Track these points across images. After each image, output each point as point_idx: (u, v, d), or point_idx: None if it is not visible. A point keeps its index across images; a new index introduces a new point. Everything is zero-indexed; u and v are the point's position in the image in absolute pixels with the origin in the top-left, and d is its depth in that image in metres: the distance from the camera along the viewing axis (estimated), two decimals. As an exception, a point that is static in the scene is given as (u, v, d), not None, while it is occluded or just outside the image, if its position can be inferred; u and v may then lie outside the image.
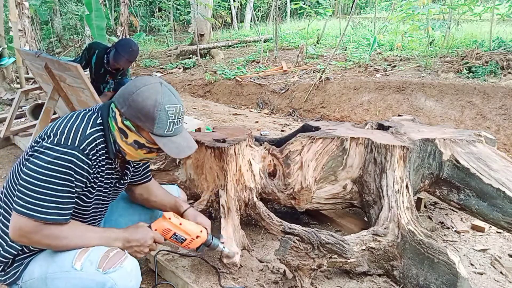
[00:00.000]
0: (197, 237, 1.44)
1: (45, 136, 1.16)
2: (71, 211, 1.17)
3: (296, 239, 1.61)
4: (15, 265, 1.24)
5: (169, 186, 1.71)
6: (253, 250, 1.98)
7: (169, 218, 1.38)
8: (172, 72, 7.62)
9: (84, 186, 1.20)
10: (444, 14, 5.43)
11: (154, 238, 1.31)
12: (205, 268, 1.79)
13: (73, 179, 1.14)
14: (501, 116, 3.88)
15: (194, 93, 6.66)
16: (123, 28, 7.83)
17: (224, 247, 1.60)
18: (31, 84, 5.32)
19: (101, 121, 1.23)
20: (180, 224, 1.40)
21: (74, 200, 1.18)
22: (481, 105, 4.05)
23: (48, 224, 1.12)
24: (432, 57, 5.26)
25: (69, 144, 1.13)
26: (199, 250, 1.50)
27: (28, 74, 5.80)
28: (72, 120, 1.20)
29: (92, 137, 1.18)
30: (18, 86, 5.17)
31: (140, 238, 1.27)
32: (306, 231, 1.64)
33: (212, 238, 1.51)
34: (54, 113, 3.15)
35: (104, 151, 1.23)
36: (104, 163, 1.25)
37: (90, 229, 1.26)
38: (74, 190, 1.16)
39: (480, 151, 2.13)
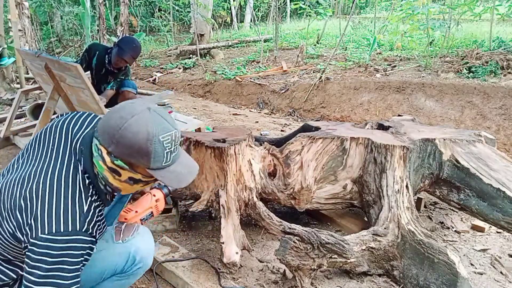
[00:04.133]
0: (157, 200, 1.48)
1: (34, 223, 0.98)
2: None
3: (296, 239, 1.61)
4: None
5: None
6: (253, 250, 1.98)
7: (126, 219, 1.38)
8: (172, 72, 7.62)
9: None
10: (444, 14, 5.43)
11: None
12: (205, 268, 1.79)
13: (83, 259, 1.04)
14: (501, 116, 3.88)
15: (194, 93, 6.66)
16: (123, 28, 7.84)
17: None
18: (31, 84, 5.32)
19: (86, 175, 1.07)
20: (136, 211, 1.41)
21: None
22: (481, 105, 4.05)
23: None
24: (432, 57, 5.26)
25: (70, 230, 0.99)
26: (169, 202, 1.59)
27: (28, 74, 5.80)
28: (57, 195, 1.01)
29: (91, 211, 1.05)
30: (18, 86, 5.16)
31: None
32: (306, 231, 1.64)
33: (164, 187, 1.55)
34: (54, 113, 3.15)
35: (101, 208, 1.12)
36: (102, 217, 1.13)
37: None
38: (83, 265, 1.06)
39: (480, 151, 2.13)
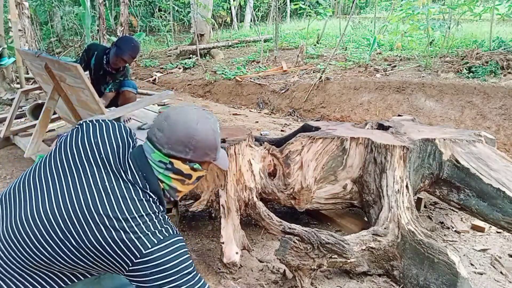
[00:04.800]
0: None
1: (132, 246, 0.95)
2: None
3: (296, 239, 1.61)
4: None
5: None
6: (253, 250, 1.98)
7: None
8: (172, 72, 7.62)
9: None
10: (444, 14, 5.43)
11: None
12: (205, 268, 1.79)
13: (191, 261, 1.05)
14: (501, 116, 3.88)
15: (194, 93, 6.66)
16: (123, 28, 7.84)
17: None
18: (31, 84, 5.32)
19: (155, 196, 1.07)
20: None
21: None
22: (481, 105, 4.05)
23: None
24: (432, 57, 5.26)
25: (167, 235, 1.00)
26: None
27: (28, 74, 5.80)
28: (139, 215, 0.99)
29: (170, 223, 1.06)
30: (18, 86, 5.16)
31: None
32: (306, 231, 1.64)
33: None
34: (54, 113, 3.15)
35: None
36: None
37: None
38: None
39: (480, 151, 2.13)
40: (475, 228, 2.29)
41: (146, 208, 1.01)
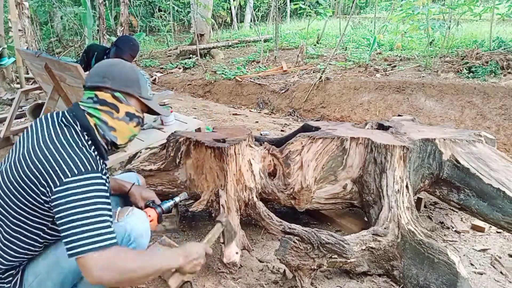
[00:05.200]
0: (151, 221, 1.49)
1: (54, 174, 1.09)
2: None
3: (296, 239, 1.61)
4: (8, 273, 1.23)
5: (127, 174, 1.78)
6: (253, 250, 1.98)
7: None
8: (172, 72, 7.62)
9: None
10: (444, 14, 5.43)
11: (205, 250, 1.37)
12: (205, 268, 1.79)
13: (108, 200, 1.13)
14: (501, 116, 3.88)
15: (194, 93, 6.66)
16: (123, 28, 7.83)
17: (175, 201, 1.66)
18: (31, 84, 5.32)
19: (85, 132, 1.21)
20: None
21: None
22: (481, 105, 4.05)
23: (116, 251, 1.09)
24: (432, 57, 5.26)
25: (89, 170, 1.11)
26: (162, 220, 1.60)
27: (28, 74, 5.80)
28: (62, 148, 1.13)
29: (96, 159, 1.17)
30: (18, 86, 5.16)
31: (196, 252, 1.31)
32: (306, 231, 1.64)
33: (161, 205, 1.58)
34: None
35: (103, 161, 1.26)
36: (105, 169, 1.28)
37: (148, 252, 1.34)
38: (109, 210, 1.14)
39: (480, 151, 2.13)
40: (475, 228, 2.29)
41: (75, 141, 1.15)
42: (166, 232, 2.14)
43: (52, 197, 1.08)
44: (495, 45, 5.03)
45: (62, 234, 1.06)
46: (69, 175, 1.08)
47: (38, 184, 1.10)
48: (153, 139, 2.77)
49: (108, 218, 1.10)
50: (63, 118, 1.22)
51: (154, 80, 7.29)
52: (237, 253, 1.72)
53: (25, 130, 1.30)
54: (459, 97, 4.22)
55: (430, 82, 4.53)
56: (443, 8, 5.26)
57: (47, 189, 1.09)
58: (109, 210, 1.12)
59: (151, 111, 1.39)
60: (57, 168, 1.09)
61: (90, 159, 1.13)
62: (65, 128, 1.19)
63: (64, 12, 8.93)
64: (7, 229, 1.17)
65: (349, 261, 1.70)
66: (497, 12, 5.11)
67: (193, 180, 2.07)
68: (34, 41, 6.39)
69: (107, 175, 1.27)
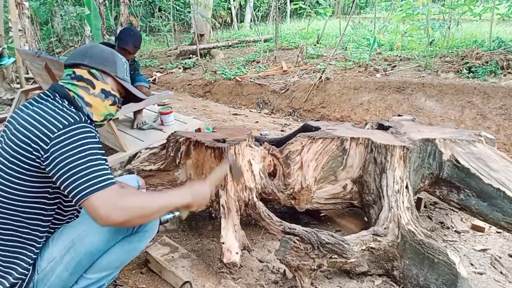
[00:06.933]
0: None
1: (45, 131, 1.14)
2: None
3: (296, 239, 1.61)
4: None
5: (127, 176, 1.80)
6: (253, 250, 1.98)
7: None
8: (172, 72, 7.62)
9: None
10: (444, 14, 5.42)
11: (211, 190, 1.45)
12: (205, 268, 1.79)
13: (100, 146, 1.19)
14: (501, 116, 3.88)
15: (194, 93, 6.66)
16: (123, 28, 7.82)
17: (174, 215, 1.68)
18: (31, 84, 5.32)
19: (65, 100, 1.27)
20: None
21: None
22: (481, 105, 4.05)
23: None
24: (432, 57, 5.26)
25: (78, 120, 1.18)
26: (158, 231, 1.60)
27: (28, 74, 5.80)
28: (44, 112, 1.20)
29: (77, 112, 1.24)
30: (18, 86, 5.16)
31: (203, 191, 1.40)
32: (306, 231, 1.64)
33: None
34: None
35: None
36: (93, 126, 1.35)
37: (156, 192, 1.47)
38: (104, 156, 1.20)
39: (480, 151, 2.13)
40: (475, 228, 2.29)
41: (56, 105, 1.22)
42: (166, 232, 2.14)
43: (45, 156, 1.13)
44: (495, 45, 5.03)
45: (64, 186, 1.11)
46: (56, 131, 1.13)
47: (31, 149, 1.15)
48: (153, 139, 2.78)
49: (103, 161, 1.15)
50: (41, 94, 1.29)
51: (154, 80, 7.29)
52: (237, 253, 1.72)
53: (8, 117, 1.36)
54: (459, 97, 4.22)
55: (430, 82, 4.52)
56: (443, 8, 5.26)
57: (41, 152, 1.14)
58: (103, 154, 1.18)
59: (129, 96, 1.43)
60: (43, 129, 1.14)
61: (73, 114, 1.20)
62: (44, 98, 1.26)
63: (65, 11, 8.93)
64: (12, 207, 1.21)
65: (349, 261, 1.70)
66: (497, 12, 5.10)
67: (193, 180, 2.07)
68: (34, 41, 6.39)
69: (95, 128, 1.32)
